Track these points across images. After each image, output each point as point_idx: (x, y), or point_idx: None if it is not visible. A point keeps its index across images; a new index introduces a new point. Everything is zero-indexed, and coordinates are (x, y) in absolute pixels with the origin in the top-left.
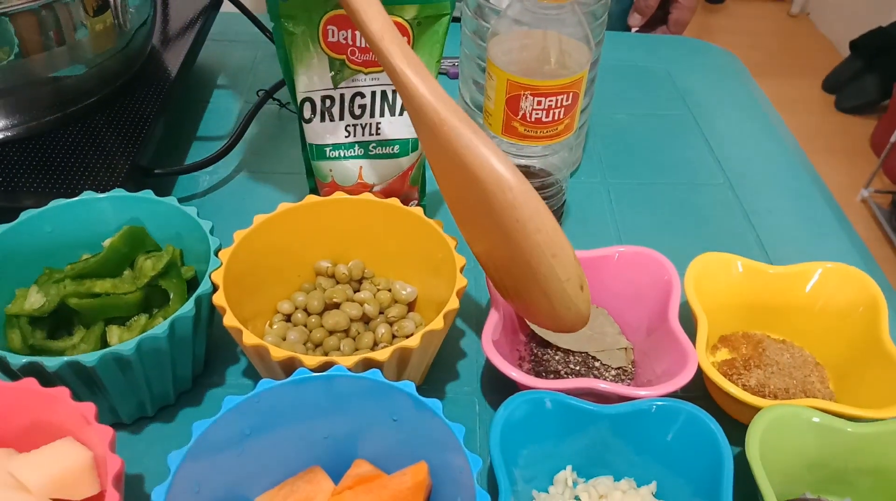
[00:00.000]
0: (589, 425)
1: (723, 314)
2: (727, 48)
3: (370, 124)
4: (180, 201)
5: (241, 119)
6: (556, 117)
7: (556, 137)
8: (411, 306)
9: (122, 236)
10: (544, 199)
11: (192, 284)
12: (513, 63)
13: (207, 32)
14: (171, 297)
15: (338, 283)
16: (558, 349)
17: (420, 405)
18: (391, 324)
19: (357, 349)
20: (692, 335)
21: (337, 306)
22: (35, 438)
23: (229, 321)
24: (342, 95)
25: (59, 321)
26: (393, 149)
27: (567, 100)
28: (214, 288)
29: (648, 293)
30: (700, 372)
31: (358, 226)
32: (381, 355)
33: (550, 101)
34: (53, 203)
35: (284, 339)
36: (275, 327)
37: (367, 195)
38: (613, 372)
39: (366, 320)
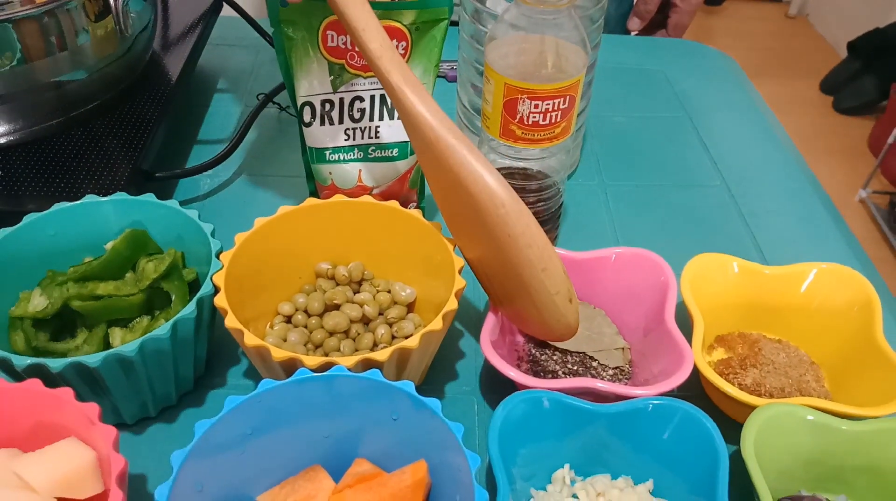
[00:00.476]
0: (586, 424)
1: (719, 314)
2: (725, 50)
3: (369, 128)
4: (182, 204)
5: (241, 123)
6: (553, 120)
7: (553, 140)
8: (410, 307)
9: (124, 238)
10: (542, 201)
11: (194, 286)
12: (510, 67)
13: (208, 37)
14: (173, 299)
15: (338, 285)
16: (556, 349)
17: (419, 404)
18: (391, 325)
19: (357, 350)
20: (689, 335)
21: (337, 307)
22: (39, 438)
23: (231, 322)
24: (341, 99)
25: (62, 324)
26: (392, 152)
27: (564, 103)
28: (216, 290)
29: (645, 294)
30: (696, 372)
31: (357, 228)
32: (381, 355)
33: (547, 104)
34: (56, 207)
35: (285, 340)
36: (276, 328)
37: (366, 198)
38: (611, 372)
39: (366, 321)
